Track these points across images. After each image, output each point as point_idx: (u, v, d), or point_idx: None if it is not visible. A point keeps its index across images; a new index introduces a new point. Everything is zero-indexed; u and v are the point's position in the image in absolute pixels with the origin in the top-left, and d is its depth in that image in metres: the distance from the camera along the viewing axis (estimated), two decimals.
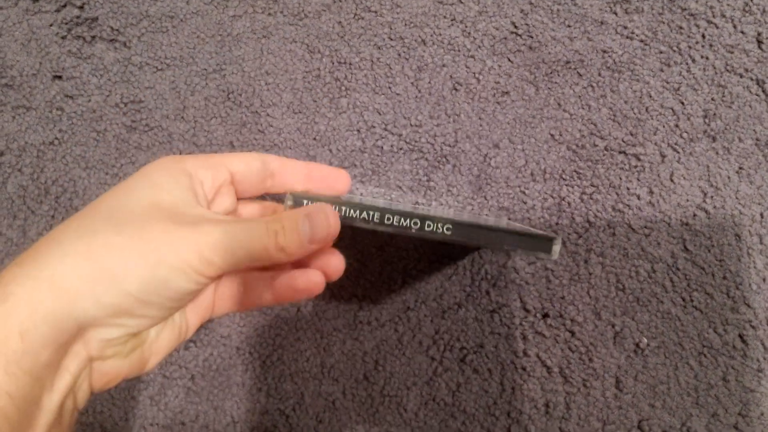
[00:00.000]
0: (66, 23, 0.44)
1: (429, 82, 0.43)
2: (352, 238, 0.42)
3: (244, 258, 0.25)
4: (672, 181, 0.42)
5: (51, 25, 0.44)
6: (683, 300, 0.41)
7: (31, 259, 0.22)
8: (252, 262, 0.26)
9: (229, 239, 0.25)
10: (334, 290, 0.42)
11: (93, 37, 0.44)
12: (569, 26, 0.43)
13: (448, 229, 0.29)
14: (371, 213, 0.29)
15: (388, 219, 0.29)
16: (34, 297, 0.21)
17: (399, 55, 0.44)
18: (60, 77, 0.44)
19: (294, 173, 0.32)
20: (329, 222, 0.27)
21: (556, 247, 0.28)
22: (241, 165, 0.30)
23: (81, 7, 0.44)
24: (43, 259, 0.22)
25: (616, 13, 0.43)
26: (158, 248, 0.23)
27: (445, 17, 0.44)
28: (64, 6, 0.44)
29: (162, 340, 0.28)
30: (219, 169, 0.29)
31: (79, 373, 0.23)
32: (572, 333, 0.41)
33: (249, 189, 0.31)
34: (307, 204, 0.29)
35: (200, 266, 0.24)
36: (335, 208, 0.28)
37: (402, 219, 0.29)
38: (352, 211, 0.29)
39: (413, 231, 0.29)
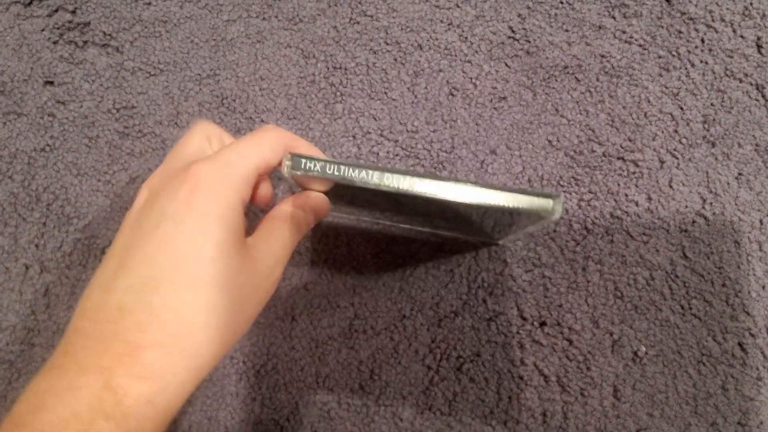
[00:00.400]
0: (58, 28, 0.44)
1: (425, 88, 0.43)
2: (348, 245, 0.42)
3: (286, 256, 0.30)
4: (671, 187, 0.41)
5: (42, 30, 0.44)
6: (682, 308, 0.41)
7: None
8: (290, 252, 0.31)
9: (277, 248, 0.29)
10: (329, 298, 0.42)
11: (85, 42, 0.44)
12: (567, 31, 0.43)
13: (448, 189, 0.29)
14: (370, 172, 0.29)
15: (388, 179, 0.28)
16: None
17: (395, 60, 0.43)
18: (51, 83, 0.44)
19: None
20: (324, 206, 0.33)
21: (558, 206, 0.27)
22: (269, 162, 0.29)
23: (73, 12, 0.44)
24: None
25: (614, 18, 0.43)
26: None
27: (441, 22, 0.43)
28: (56, 11, 0.44)
29: None
30: (252, 181, 0.28)
31: None
32: (570, 341, 0.41)
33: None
34: (305, 164, 0.29)
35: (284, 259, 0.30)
36: (334, 167, 0.28)
37: (402, 179, 0.28)
38: (351, 170, 0.28)
39: (413, 191, 0.28)
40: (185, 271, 0.24)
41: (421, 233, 0.42)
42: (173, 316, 0.23)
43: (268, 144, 0.28)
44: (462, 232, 0.40)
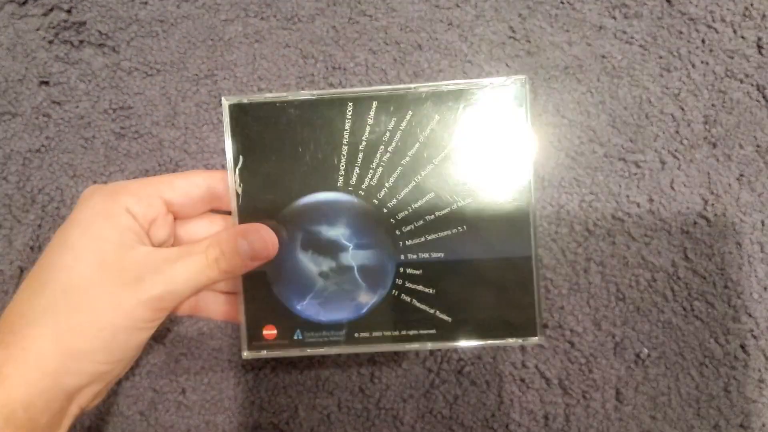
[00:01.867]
0: (53, 27, 0.43)
1: None
2: None
3: (191, 292, 0.28)
4: (672, 188, 0.41)
5: (38, 30, 0.43)
6: (684, 309, 0.40)
7: (12, 340, 0.26)
8: (199, 291, 0.29)
9: (173, 284, 0.27)
10: None
11: (81, 42, 0.43)
12: (568, 31, 0.42)
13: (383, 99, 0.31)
14: (310, 96, 0.31)
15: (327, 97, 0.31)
16: (27, 378, 0.25)
17: (395, 60, 0.43)
18: (47, 83, 0.43)
19: None
20: (265, 239, 0.30)
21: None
22: (178, 194, 0.30)
23: (69, 11, 0.43)
24: (22, 341, 0.25)
25: (615, 18, 0.42)
26: (113, 319, 0.26)
27: (441, 21, 0.43)
28: (52, 10, 0.43)
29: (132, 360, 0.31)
30: (151, 201, 0.29)
31: (75, 419, 0.28)
32: (572, 344, 0.40)
33: (192, 212, 0.32)
34: (247, 104, 0.31)
35: (152, 316, 0.27)
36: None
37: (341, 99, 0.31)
38: (291, 97, 0.31)
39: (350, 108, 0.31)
40: (39, 276, 0.27)
41: None
42: (20, 318, 0.26)
43: (184, 180, 0.31)
44: None
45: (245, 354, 0.32)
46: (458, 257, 0.31)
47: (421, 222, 0.32)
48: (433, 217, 0.32)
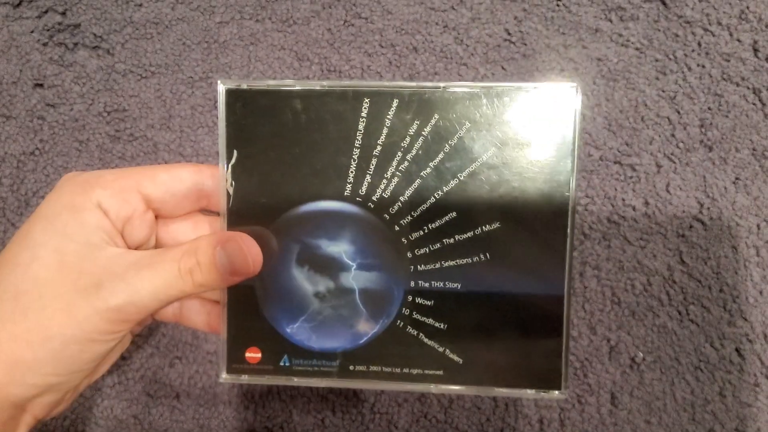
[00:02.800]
0: (48, 30, 0.43)
1: None
2: None
3: (158, 305, 0.24)
4: (668, 191, 0.41)
5: (32, 32, 0.43)
6: (679, 313, 0.40)
7: None
8: (170, 303, 0.25)
9: (136, 294, 0.23)
10: None
11: (75, 44, 0.43)
12: (563, 34, 0.42)
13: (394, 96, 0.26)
14: (320, 87, 0.27)
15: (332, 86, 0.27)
16: None
17: (390, 62, 0.43)
18: (41, 85, 0.43)
19: None
20: (246, 253, 0.25)
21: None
22: (160, 189, 0.26)
23: (63, 14, 0.43)
24: None
25: (611, 21, 0.42)
26: (63, 328, 0.23)
27: (437, 24, 0.43)
28: (46, 12, 0.43)
29: (102, 366, 0.28)
30: (127, 197, 0.25)
31: (31, 428, 0.25)
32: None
33: (175, 211, 0.28)
34: (246, 90, 0.27)
35: (110, 328, 0.24)
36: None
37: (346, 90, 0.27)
38: (298, 86, 0.27)
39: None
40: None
41: None
42: None
43: (168, 172, 0.27)
44: None
45: (223, 377, 0.28)
46: (477, 289, 0.27)
47: (438, 245, 0.27)
48: (452, 240, 0.27)
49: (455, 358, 0.28)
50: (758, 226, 0.41)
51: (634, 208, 0.41)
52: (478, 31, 0.43)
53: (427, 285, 0.28)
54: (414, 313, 0.28)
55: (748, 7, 0.42)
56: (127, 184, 0.26)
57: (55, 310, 0.23)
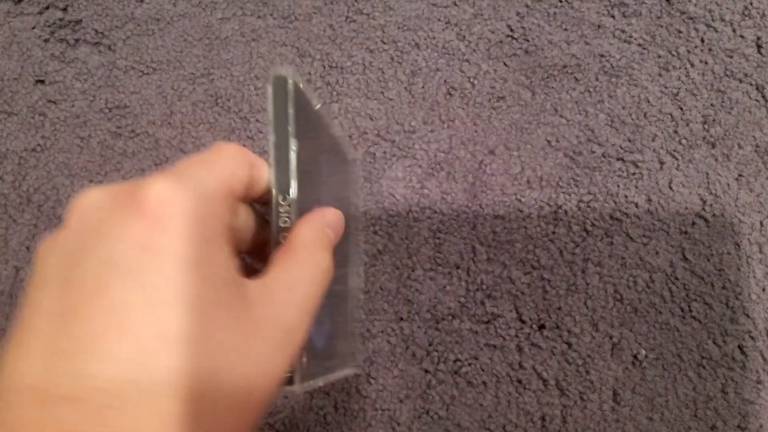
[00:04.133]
0: (49, 26, 0.43)
1: (423, 87, 0.42)
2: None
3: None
4: (671, 188, 0.41)
5: (33, 28, 0.43)
6: (682, 310, 0.40)
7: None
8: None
9: (299, 308, 0.20)
10: None
11: (77, 41, 0.43)
12: (566, 30, 0.42)
13: None
14: None
15: None
16: None
17: (392, 59, 0.42)
18: (42, 81, 0.43)
19: None
20: (338, 221, 0.24)
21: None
22: (242, 180, 0.20)
23: (64, 10, 0.43)
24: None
25: (613, 17, 0.42)
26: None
27: (439, 20, 0.43)
28: (47, 8, 0.43)
29: None
30: (232, 205, 0.20)
31: None
32: (569, 345, 0.40)
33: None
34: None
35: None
36: None
37: None
38: None
39: None
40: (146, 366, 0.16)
41: None
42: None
43: (234, 159, 0.20)
44: None
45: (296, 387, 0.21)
46: None
47: None
48: None
49: None
50: (761, 223, 0.41)
51: (636, 205, 0.41)
52: (480, 27, 0.42)
53: None
54: None
55: (751, 3, 0.42)
56: (221, 186, 0.20)
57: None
